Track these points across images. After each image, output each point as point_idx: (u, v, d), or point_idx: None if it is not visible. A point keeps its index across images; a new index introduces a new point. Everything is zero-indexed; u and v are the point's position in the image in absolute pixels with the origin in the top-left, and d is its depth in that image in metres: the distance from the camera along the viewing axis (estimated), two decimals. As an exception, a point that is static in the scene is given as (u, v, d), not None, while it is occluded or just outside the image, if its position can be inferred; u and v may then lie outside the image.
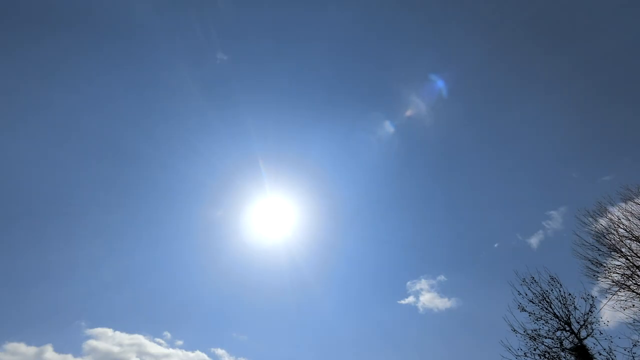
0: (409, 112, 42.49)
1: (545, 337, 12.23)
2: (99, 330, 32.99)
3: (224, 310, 40.22)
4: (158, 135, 42.83)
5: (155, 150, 42.02)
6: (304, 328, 39.69)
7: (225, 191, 41.74)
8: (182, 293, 40.31)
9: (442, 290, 38.70)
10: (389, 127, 43.37)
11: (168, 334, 33.86)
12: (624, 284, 12.66)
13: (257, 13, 40.52)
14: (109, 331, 33.19)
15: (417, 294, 38.36)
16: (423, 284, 39.08)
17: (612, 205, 13.66)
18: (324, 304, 39.88)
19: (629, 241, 12.84)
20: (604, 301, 12.47)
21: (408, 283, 39.72)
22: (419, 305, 37.64)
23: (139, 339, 33.26)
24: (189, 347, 33.52)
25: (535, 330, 12.41)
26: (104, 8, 36.93)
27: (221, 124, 42.77)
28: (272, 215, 40.55)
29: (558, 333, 12.20)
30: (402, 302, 38.64)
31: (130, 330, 34.06)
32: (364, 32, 42.68)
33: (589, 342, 11.68)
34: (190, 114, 42.80)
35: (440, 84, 37.57)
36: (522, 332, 12.49)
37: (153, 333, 35.61)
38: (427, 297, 37.90)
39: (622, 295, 12.63)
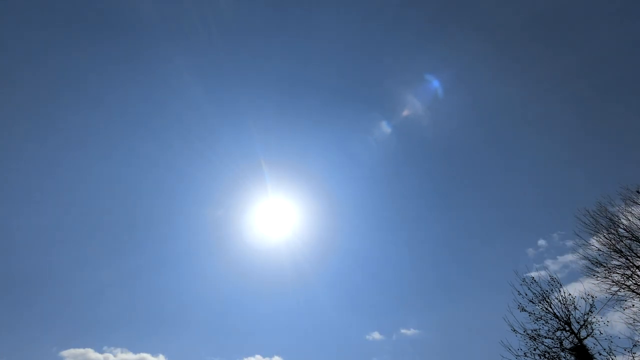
0: (405, 112, 42.65)
1: (545, 337, 12.26)
2: (79, 351, 29.72)
3: (224, 314, 40.06)
4: (160, 136, 43.00)
5: (161, 152, 42.20)
6: (306, 328, 39.67)
7: (229, 193, 41.86)
8: (182, 297, 39.78)
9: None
10: (385, 128, 43.51)
11: (162, 357, 30.88)
12: (624, 284, 12.66)
13: (257, 15, 40.70)
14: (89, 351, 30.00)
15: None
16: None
17: (612, 205, 13.67)
18: (324, 303, 39.87)
19: (629, 241, 12.84)
20: (604, 301, 12.47)
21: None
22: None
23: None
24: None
25: (535, 330, 12.44)
26: (107, 9, 37.14)
27: (224, 127, 43.02)
28: (274, 216, 40.79)
29: (558, 333, 12.22)
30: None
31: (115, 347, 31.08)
32: (361, 33, 42.79)
33: (589, 342, 11.71)
34: (194, 116, 42.99)
35: (435, 84, 37.67)
36: (522, 332, 12.53)
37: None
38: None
39: (622, 295, 12.65)
